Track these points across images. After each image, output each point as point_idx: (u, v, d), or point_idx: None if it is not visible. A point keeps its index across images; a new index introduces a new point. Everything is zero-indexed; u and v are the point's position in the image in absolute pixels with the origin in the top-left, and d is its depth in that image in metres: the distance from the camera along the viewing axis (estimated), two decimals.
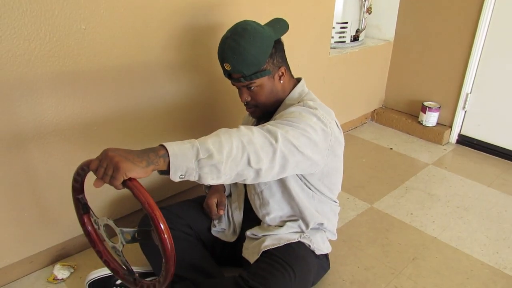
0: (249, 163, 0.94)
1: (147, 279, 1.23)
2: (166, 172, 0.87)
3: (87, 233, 1.01)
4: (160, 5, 1.46)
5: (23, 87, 1.25)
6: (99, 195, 1.57)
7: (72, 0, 1.26)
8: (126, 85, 1.49)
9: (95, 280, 1.32)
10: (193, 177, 0.89)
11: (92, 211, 0.98)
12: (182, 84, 1.65)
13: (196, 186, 1.87)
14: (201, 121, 1.79)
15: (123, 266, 1.01)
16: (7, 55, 1.19)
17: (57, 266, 1.48)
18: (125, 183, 0.82)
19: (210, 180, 0.91)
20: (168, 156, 0.85)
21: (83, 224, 1.00)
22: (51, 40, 1.26)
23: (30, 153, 1.34)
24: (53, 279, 1.45)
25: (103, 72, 1.41)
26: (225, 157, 0.90)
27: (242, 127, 0.98)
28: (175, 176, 0.87)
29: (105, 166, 0.81)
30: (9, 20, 1.17)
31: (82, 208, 0.97)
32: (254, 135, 0.97)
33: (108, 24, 1.36)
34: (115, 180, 0.80)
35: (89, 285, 1.32)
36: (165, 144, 0.86)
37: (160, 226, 0.81)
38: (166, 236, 0.82)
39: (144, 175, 0.83)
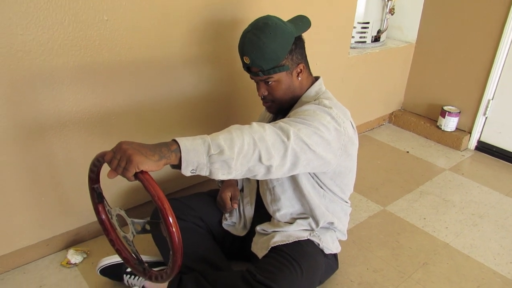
0: (260, 159, 0.95)
1: (156, 269, 1.26)
2: (178, 166, 0.89)
3: (101, 221, 1.04)
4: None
5: (45, 76, 1.29)
6: (114, 185, 1.60)
7: None
8: (146, 77, 1.51)
9: (107, 266, 1.35)
10: (204, 172, 0.91)
11: (106, 201, 1.01)
12: (201, 77, 1.67)
13: (209, 179, 1.89)
14: (218, 115, 1.81)
15: (134, 256, 1.03)
16: (31, 43, 1.23)
17: (71, 251, 1.52)
18: (136, 176, 0.84)
19: (221, 175, 0.92)
20: (180, 151, 0.86)
21: (97, 213, 1.02)
22: (74, 30, 1.29)
23: (50, 140, 1.37)
24: (67, 263, 1.49)
25: (124, 64, 1.44)
26: (236, 153, 0.91)
27: (255, 124, 0.99)
28: (187, 170, 0.88)
29: (118, 158, 0.83)
30: (35, 9, 1.20)
31: (97, 197, 1.00)
32: (266, 132, 0.97)
33: (130, 16, 1.39)
34: (127, 172, 0.82)
35: (100, 271, 1.36)
36: (178, 139, 0.88)
37: (169, 219, 0.83)
38: (174, 229, 0.83)
39: (156, 168, 0.85)
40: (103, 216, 1.03)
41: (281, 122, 1.05)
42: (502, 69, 2.32)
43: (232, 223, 1.46)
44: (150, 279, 0.99)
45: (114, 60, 1.41)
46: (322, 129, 1.09)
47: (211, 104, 1.76)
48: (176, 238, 0.84)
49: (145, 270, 1.02)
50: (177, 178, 1.78)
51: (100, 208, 1.02)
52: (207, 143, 0.89)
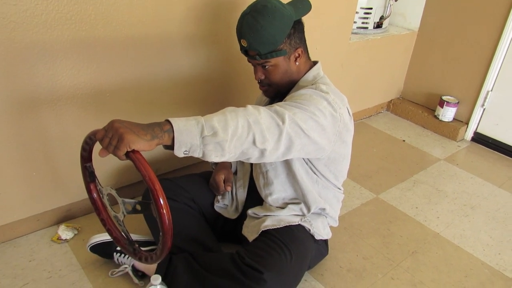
0: (254, 142, 0.94)
1: (145, 249, 1.26)
2: (171, 147, 0.88)
3: (92, 200, 1.03)
4: None
5: (38, 48, 1.26)
6: (106, 164, 1.59)
7: None
8: (142, 55, 1.48)
9: (97, 244, 1.35)
10: (197, 154, 0.90)
11: (98, 180, 1.00)
12: (198, 57, 1.64)
13: (202, 160, 1.88)
14: (215, 96, 1.79)
15: (124, 236, 1.03)
16: (24, 14, 1.20)
17: (62, 227, 1.52)
18: (128, 155, 0.82)
19: (214, 157, 0.91)
20: (173, 131, 0.85)
21: (89, 192, 1.02)
22: (69, 2, 1.26)
23: (43, 114, 1.36)
24: (57, 238, 1.49)
25: (119, 40, 1.41)
26: (230, 135, 0.90)
27: (250, 107, 0.98)
28: (179, 151, 0.87)
29: (110, 136, 0.82)
30: None
31: (89, 176, 0.99)
32: (261, 115, 0.96)
33: None
34: (118, 151, 0.81)
35: (90, 248, 1.36)
36: (171, 119, 0.87)
37: (160, 200, 0.82)
38: (164, 211, 0.83)
39: (148, 148, 0.84)
40: (95, 195, 1.02)
41: (276, 106, 1.04)
42: (502, 61, 2.30)
43: (224, 205, 1.46)
44: (140, 260, 0.99)
45: (109, 35, 1.38)
46: (318, 114, 1.08)
47: (208, 85, 1.73)
48: (167, 220, 0.84)
49: (135, 251, 1.01)
50: (170, 159, 1.77)
51: (92, 187, 1.01)
52: (201, 124, 0.88)
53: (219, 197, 1.46)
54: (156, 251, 0.93)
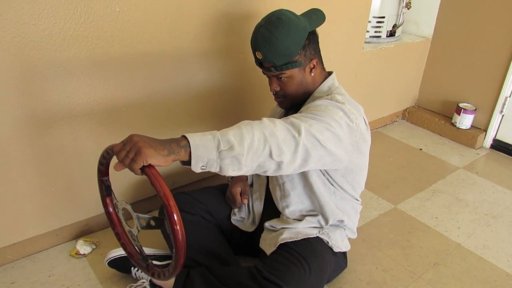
0: (270, 155, 0.94)
1: (163, 263, 1.25)
2: (188, 162, 0.88)
3: (108, 214, 1.03)
4: None
5: (56, 66, 1.28)
6: (124, 177, 1.60)
7: None
8: (157, 70, 1.50)
9: (115, 258, 1.35)
10: (214, 168, 0.90)
11: (114, 194, 1.00)
12: (213, 71, 1.65)
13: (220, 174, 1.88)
14: (229, 109, 1.79)
15: (138, 251, 1.03)
16: (43, 33, 1.22)
17: (80, 242, 1.53)
18: (143, 170, 0.83)
19: (231, 171, 0.91)
20: (190, 146, 0.86)
21: (105, 206, 1.02)
22: (85, 21, 1.28)
23: (60, 130, 1.38)
24: (76, 253, 1.50)
25: (135, 56, 1.43)
26: (246, 149, 0.90)
27: (265, 119, 0.97)
28: (197, 167, 0.88)
29: (128, 150, 0.82)
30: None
31: (105, 190, 0.99)
32: (277, 127, 0.96)
33: (142, 8, 1.37)
34: (135, 164, 0.81)
35: (108, 263, 1.36)
36: (187, 135, 0.87)
37: (173, 216, 0.81)
38: (178, 227, 0.82)
39: (164, 164, 0.84)
40: (110, 209, 1.03)
41: (292, 118, 1.03)
42: None
43: (241, 218, 1.45)
44: (153, 276, 0.99)
45: (125, 52, 1.40)
46: (334, 125, 1.07)
47: (222, 98, 1.74)
48: (180, 236, 0.83)
49: (148, 267, 1.01)
50: (187, 172, 1.78)
51: (108, 201, 1.01)
52: (217, 138, 0.88)
53: (235, 210, 1.45)
54: (169, 267, 0.92)
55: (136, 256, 1.03)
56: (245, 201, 1.42)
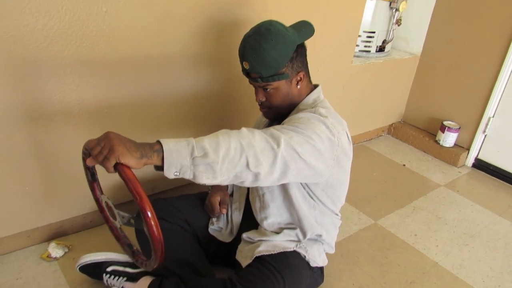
0: (247, 165, 0.93)
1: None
2: (161, 168, 0.87)
3: (96, 198, 1.02)
4: None
5: (37, 63, 1.25)
6: (113, 178, 1.57)
7: None
8: (143, 73, 1.48)
9: (87, 264, 1.32)
10: (188, 175, 0.89)
11: (99, 184, 0.99)
12: (199, 77, 1.63)
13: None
14: (215, 116, 1.77)
15: (124, 236, 1.03)
16: (25, 29, 1.19)
17: (52, 244, 1.49)
18: (117, 168, 0.82)
19: (205, 179, 0.90)
20: (163, 151, 0.85)
21: (93, 191, 1.01)
22: (70, 19, 1.26)
23: (37, 129, 1.34)
24: (47, 256, 1.46)
25: (120, 57, 1.40)
26: (221, 157, 0.89)
27: (244, 129, 0.97)
28: (169, 172, 0.87)
29: (102, 145, 0.83)
30: None
31: (91, 176, 0.98)
32: (255, 138, 0.95)
33: (130, 10, 1.35)
34: (107, 161, 0.81)
35: (80, 268, 1.33)
36: (161, 140, 0.87)
37: (147, 212, 0.81)
38: (152, 221, 0.82)
39: (136, 165, 0.83)
40: (98, 195, 1.01)
41: (272, 129, 1.02)
42: (504, 87, 2.29)
43: (219, 228, 1.43)
44: (137, 262, 1.00)
45: (110, 53, 1.37)
46: (315, 138, 1.06)
47: (208, 105, 1.72)
48: (155, 229, 0.83)
49: (134, 253, 1.01)
50: (167, 178, 1.75)
51: (95, 186, 1.00)
52: (191, 145, 0.88)
53: (214, 220, 1.43)
54: (150, 260, 0.92)
55: (123, 239, 1.03)
56: (224, 211, 1.40)
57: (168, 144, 0.86)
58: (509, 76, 2.26)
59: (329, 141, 1.11)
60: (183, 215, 1.37)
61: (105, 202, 0.97)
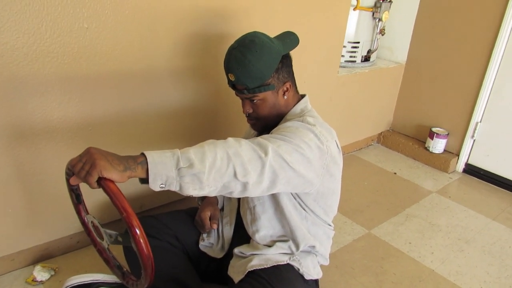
0: (235, 175, 0.91)
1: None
2: (147, 180, 0.84)
3: (82, 221, 0.99)
4: (167, 11, 1.44)
5: (18, 82, 1.23)
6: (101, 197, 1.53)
7: None
8: (127, 88, 1.46)
9: (74, 286, 1.27)
10: (174, 187, 0.86)
11: (84, 204, 0.96)
12: (186, 91, 1.62)
13: (188, 196, 1.82)
14: (203, 130, 1.75)
15: (113, 258, 1.00)
16: (4, 47, 1.17)
17: (38, 267, 1.44)
18: (99, 183, 0.80)
19: (192, 190, 0.88)
20: (147, 163, 0.83)
21: (79, 213, 0.98)
22: (51, 36, 1.24)
23: (19, 149, 1.31)
24: (32, 280, 1.40)
25: (103, 73, 1.38)
26: (207, 167, 0.87)
27: (230, 139, 0.95)
28: (155, 184, 0.84)
29: (84, 162, 0.81)
30: (10, 13, 1.15)
31: (76, 198, 0.95)
32: (242, 147, 0.93)
33: (112, 25, 1.34)
34: (90, 177, 0.79)
35: None
36: (145, 152, 0.85)
37: (134, 227, 0.79)
38: (140, 238, 0.79)
39: (119, 179, 0.81)
40: (84, 217, 0.98)
41: (259, 138, 1.01)
42: (490, 92, 2.31)
43: (210, 244, 1.39)
44: (127, 284, 0.96)
45: (93, 69, 1.35)
46: (303, 147, 1.04)
47: (196, 119, 1.70)
48: (142, 244, 0.80)
49: (124, 275, 0.98)
50: (155, 194, 1.71)
51: (81, 208, 0.97)
52: (176, 156, 0.86)
53: (204, 235, 1.40)
54: (141, 279, 0.89)
55: (112, 262, 0.99)
56: (215, 226, 1.36)
57: (153, 156, 0.84)
58: (494, 81, 2.28)
59: (318, 149, 1.09)
60: (172, 232, 1.34)
61: (91, 222, 0.94)
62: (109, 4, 1.30)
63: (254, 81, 1.14)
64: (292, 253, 1.25)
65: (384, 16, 2.42)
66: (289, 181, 1.03)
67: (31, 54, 1.22)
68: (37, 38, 1.22)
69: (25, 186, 1.37)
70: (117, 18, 1.34)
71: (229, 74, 1.17)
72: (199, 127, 1.74)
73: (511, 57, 2.19)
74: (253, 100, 1.20)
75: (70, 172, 0.87)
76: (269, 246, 1.26)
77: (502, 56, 2.22)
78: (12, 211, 1.37)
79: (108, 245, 0.93)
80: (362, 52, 2.50)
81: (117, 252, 1.10)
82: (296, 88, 1.29)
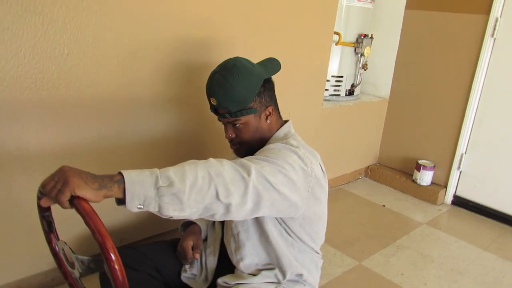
0: (217, 196, 0.86)
1: None
2: (123, 201, 0.79)
3: (53, 252, 0.92)
4: (149, 39, 1.44)
5: None
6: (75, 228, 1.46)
7: (58, 24, 1.24)
8: (107, 116, 1.43)
9: None
10: (153, 207, 0.81)
11: (56, 232, 0.90)
12: (170, 118, 1.60)
13: (174, 228, 1.76)
14: (186, 157, 1.68)
15: None
16: None
17: None
18: (73, 202, 0.74)
19: (172, 211, 0.83)
20: (124, 182, 0.78)
21: (49, 243, 0.91)
22: (30, 61, 1.23)
23: None
24: None
25: (83, 100, 1.36)
26: (188, 186, 0.83)
27: (212, 159, 0.92)
28: (132, 204, 0.79)
29: (56, 180, 0.76)
30: None
31: (47, 226, 0.89)
32: (224, 167, 0.90)
33: (93, 52, 1.34)
34: (62, 195, 0.74)
35: None
36: (123, 171, 0.81)
37: (109, 252, 0.73)
38: (112, 255, 0.73)
39: (94, 198, 0.76)
40: (55, 247, 0.91)
41: (242, 159, 0.98)
42: (473, 123, 2.35)
43: (192, 275, 1.32)
44: None
45: (72, 95, 1.33)
46: (287, 168, 1.01)
47: (179, 147, 1.68)
48: (117, 268, 0.73)
49: None
50: (137, 227, 1.65)
51: (52, 237, 0.91)
52: (155, 174, 0.81)
53: (186, 266, 1.32)
54: None
55: None
56: (197, 256, 1.29)
57: (130, 174, 0.80)
58: (476, 112, 2.32)
59: (302, 170, 1.07)
60: (152, 263, 1.27)
61: (62, 249, 0.87)
62: (90, 30, 1.31)
63: (236, 105, 1.13)
64: (278, 282, 1.19)
65: (366, 51, 2.49)
66: (273, 204, 0.99)
67: (9, 80, 1.20)
68: (15, 63, 1.20)
69: None
70: (99, 44, 1.33)
71: (211, 98, 1.16)
72: (182, 155, 1.70)
73: (491, 89, 2.25)
74: (236, 125, 1.18)
75: (41, 194, 0.83)
76: (254, 275, 1.20)
77: (481, 88, 2.27)
78: None
79: (80, 273, 0.85)
80: (346, 86, 2.54)
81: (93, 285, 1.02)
82: (279, 113, 1.28)
